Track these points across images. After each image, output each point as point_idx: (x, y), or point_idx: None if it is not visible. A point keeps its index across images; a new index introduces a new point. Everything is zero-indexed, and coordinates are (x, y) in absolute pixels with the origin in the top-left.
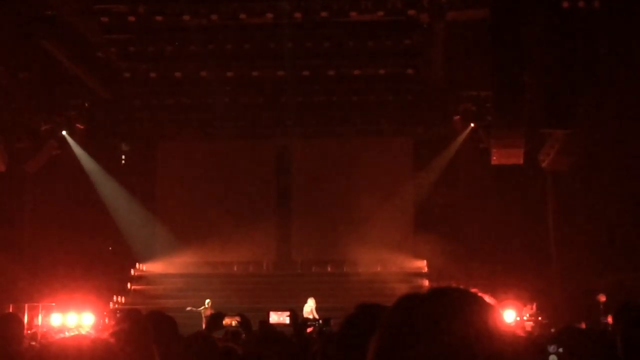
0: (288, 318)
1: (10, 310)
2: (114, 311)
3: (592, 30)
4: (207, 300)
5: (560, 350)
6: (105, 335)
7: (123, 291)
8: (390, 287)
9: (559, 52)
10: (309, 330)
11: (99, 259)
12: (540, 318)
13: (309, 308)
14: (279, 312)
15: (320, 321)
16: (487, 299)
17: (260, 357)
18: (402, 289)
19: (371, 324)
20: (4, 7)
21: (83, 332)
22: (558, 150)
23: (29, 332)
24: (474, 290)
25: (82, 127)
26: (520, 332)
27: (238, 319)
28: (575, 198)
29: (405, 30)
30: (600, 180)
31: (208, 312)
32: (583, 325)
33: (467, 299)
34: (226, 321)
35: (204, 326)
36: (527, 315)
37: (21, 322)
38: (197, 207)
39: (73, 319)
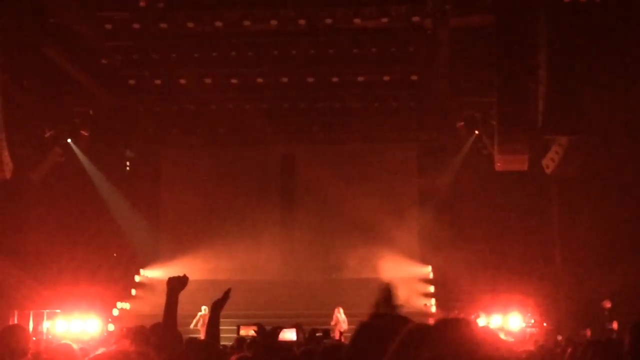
0: (295, 334)
1: (16, 317)
2: (120, 329)
3: (597, 36)
4: (204, 307)
5: None
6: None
7: (127, 297)
8: (395, 294)
9: (564, 58)
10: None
11: (103, 265)
12: (545, 324)
13: (342, 317)
14: (286, 329)
15: (321, 333)
16: (494, 330)
17: None
18: (407, 295)
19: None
20: (8, 14)
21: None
22: (563, 156)
23: (33, 338)
24: (480, 321)
25: (86, 134)
26: (531, 345)
27: (255, 328)
28: (580, 204)
29: (409, 37)
30: (605, 186)
31: (206, 319)
32: (588, 332)
33: (473, 331)
34: (242, 332)
35: (201, 332)
36: (532, 321)
37: (26, 332)
38: (201, 214)
39: (78, 325)
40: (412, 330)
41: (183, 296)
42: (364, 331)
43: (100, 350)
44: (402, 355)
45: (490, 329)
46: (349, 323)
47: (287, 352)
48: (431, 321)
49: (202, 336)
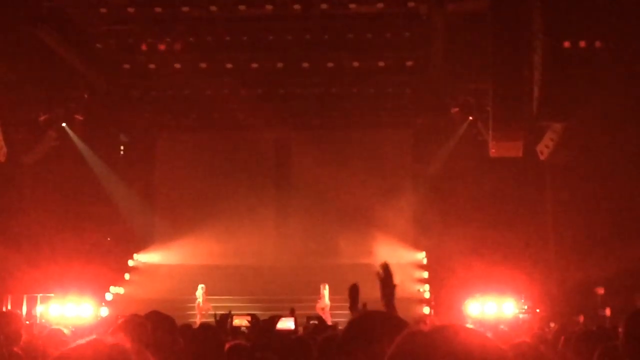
0: (293, 323)
1: (9, 301)
2: (115, 318)
3: (593, 22)
4: (201, 285)
5: None
6: (118, 339)
7: (121, 282)
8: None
9: (559, 44)
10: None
11: (97, 249)
12: (538, 310)
13: (326, 294)
14: (284, 319)
15: (317, 321)
16: (489, 335)
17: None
18: (401, 280)
19: (373, 330)
20: None
21: (98, 337)
22: (557, 142)
23: (27, 322)
24: (474, 327)
25: (81, 118)
26: (526, 334)
27: (249, 318)
28: (574, 190)
29: (405, 22)
30: (599, 172)
31: (203, 298)
32: (581, 318)
33: (470, 337)
34: (237, 322)
35: (197, 311)
36: (526, 307)
37: (20, 319)
38: (195, 198)
39: (71, 309)
40: (406, 338)
41: (179, 281)
42: (352, 331)
43: (74, 344)
44: None
45: (486, 336)
46: (345, 309)
47: (284, 341)
48: (425, 313)
49: (198, 314)
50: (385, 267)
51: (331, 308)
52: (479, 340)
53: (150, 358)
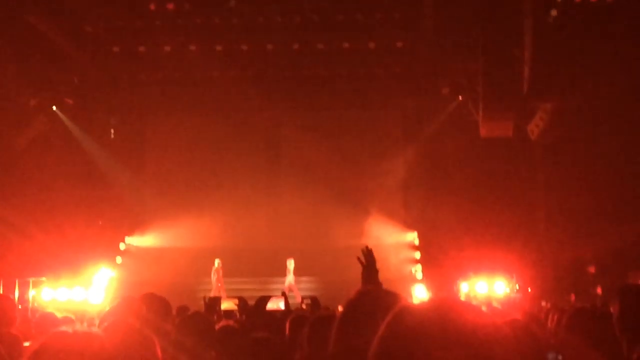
0: (283, 304)
1: (1, 285)
2: (113, 301)
3: (584, 2)
4: (217, 260)
5: (560, 357)
6: (98, 329)
7: (112, 265)
8: (381, 260)
9: (549, 24)
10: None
11: (89, 233)
12: (529, 289)
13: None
14: (274, 299)
15: (309, 300)
16: (484, 309)
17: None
18: (394, 261)
19: (371, 309)
20: None
21: (78, 327)
22: (547, 122)
23: (19, 306)
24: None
25: (71, 101)
26: (518, 312)
27: (237, 301)
28: (564, 170)
29: (395, 3)
30: (589, 151)
31: (219, 273)
32: (573, 297)
33: (464, 312)
34: (225, 306)
35: (214, 286)
36: (517, 287)
37: (13, 302)
38: (187, 181)
39: (64, 293)
40: (399, 312)
41: (172, 264)
42: (351, 309)
43: (52, 332)
44: (390, 337)
45: (478, 307)
46: (339, 289)
47: (275, 321)
48: (417, 291)
49: (214, 291)
50: (368, 252)
51: (325, 288)
52: (474, 314)
53: (155, 340)
